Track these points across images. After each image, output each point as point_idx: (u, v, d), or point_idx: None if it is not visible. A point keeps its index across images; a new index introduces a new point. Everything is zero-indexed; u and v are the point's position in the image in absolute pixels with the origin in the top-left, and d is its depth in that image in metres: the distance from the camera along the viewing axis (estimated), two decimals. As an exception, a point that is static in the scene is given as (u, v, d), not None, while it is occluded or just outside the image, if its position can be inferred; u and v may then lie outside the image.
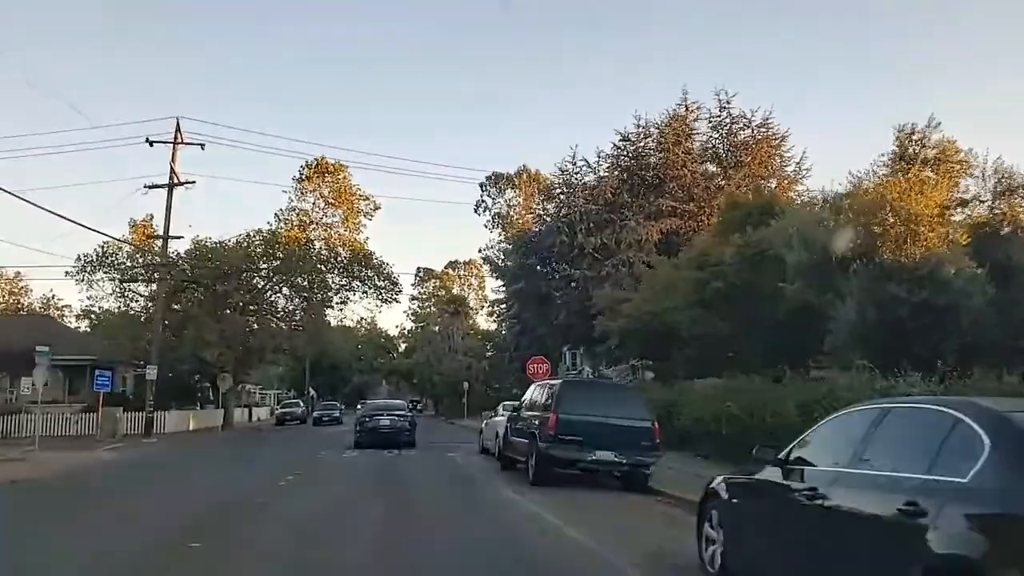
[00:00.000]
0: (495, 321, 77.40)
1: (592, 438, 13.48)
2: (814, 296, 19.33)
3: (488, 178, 74.61)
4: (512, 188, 73.86)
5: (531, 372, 27.57)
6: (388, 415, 26.33)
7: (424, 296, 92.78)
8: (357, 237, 46.37)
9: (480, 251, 67.75)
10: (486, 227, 71.08)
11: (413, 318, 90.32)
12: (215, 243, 41.59)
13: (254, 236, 43.10)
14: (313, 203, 46.27)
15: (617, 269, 36.08)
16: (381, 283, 47.31)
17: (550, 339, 46.47)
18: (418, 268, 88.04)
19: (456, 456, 22.60)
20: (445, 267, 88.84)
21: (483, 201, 75.21)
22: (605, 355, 34.77)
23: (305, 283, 46.29)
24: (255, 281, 44.36)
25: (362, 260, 46.35)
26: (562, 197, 37.87)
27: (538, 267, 40.14)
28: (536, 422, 14.53)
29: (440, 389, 67.43)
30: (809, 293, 19.25)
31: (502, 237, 71.19)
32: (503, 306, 51.39)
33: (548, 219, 39.14)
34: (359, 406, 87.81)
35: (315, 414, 51.35)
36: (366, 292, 47.78)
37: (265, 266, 42.47)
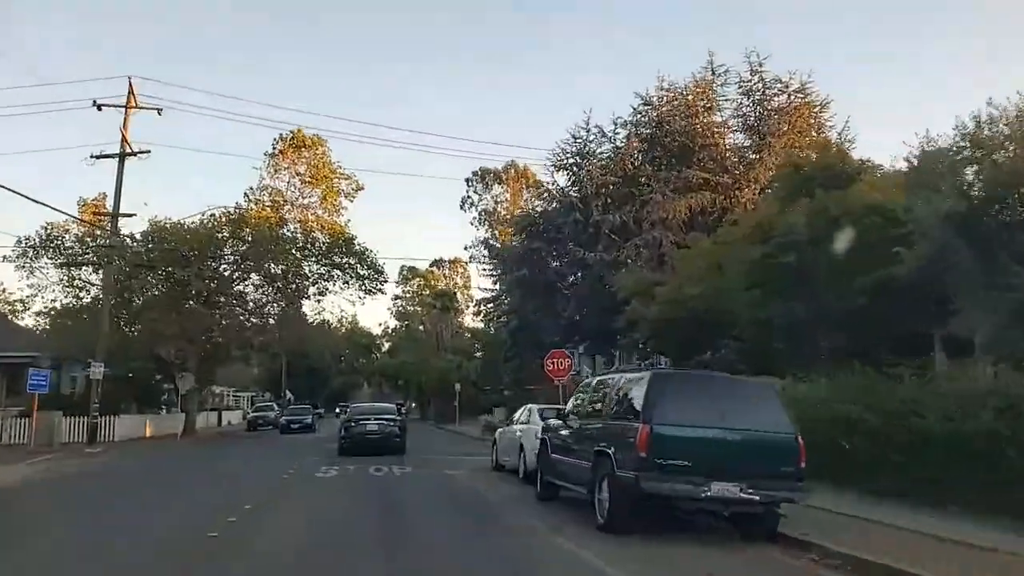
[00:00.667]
0: (483, 320, 72.81)
1: (706, 462, 8.60)
2: (940, 264, 14.57)
3: (474, 173, 71.18)
4: (499, 184, 71.23)
5: (551, 370, 22.62)
6: (376, 419, 24.20)
7: (408, 295, 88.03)
8: (337, 220, 41.17)
9: (466, 248, 65.32)
10: (472, 225, 68.31)
11: (397, 316, 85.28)
12: (174, 224, 36.35)
13: (220, 217, 37.89)
14: (288, 181, 41.08)
15: (638, 252, 31.25)
16: (364, 272, 42.23)
17: (551, 335, 41.62)
18: (402, 267, 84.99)
19: (461, 475, 17.60)
20: (430, 266, 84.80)
21: (468, 198, 71.30)
22: (628, 350, 29.91)
23: (279, 271, 41.10)
24: (221, 268, 39.11)
25: (343, 246, 41.21)
26: (574, 169, 32.87)
27: (543, 252, 35.22)
28: (607, 436, 9.67)
29: (428, 391, 62.38)
30: (938, 259, 14.46)
31: (489, 234, 67.50)
32: (501, 298, 46.27)
33: (557, 195, 34.07)
34: (338, 410, 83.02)
35: (283, 419, 44.09)
36: (347, 282, 42.67)
37: (230, 250, 37.24)
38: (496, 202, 71.92)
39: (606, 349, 41.24)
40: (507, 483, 15.87)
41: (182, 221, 36.70)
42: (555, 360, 22.60)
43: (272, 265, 38.21)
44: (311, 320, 43.10)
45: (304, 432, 40.23)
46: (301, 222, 40.88)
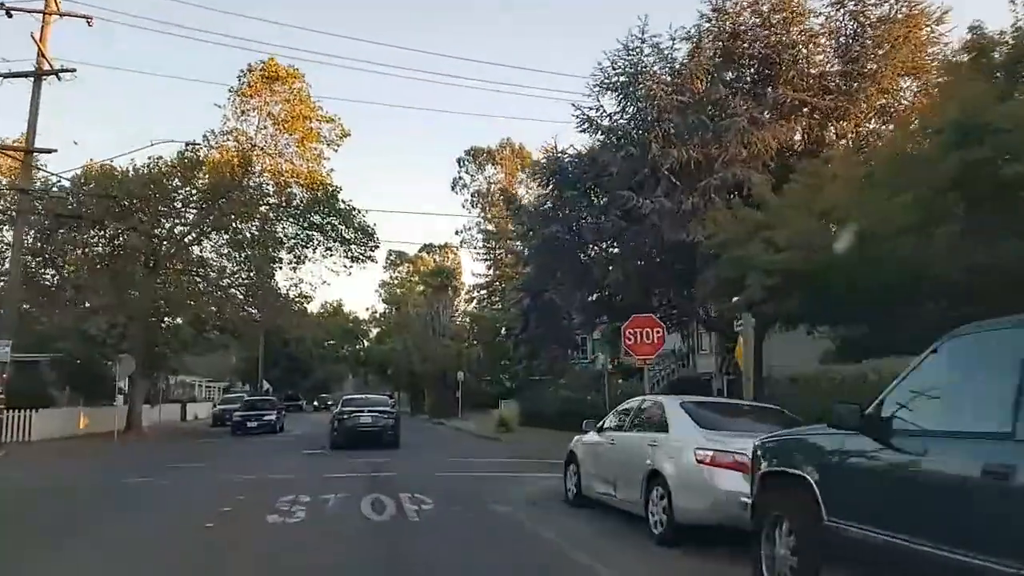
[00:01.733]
0: (477, 308, 65.83)
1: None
2: None
3: (467, 152, 67.02)
4: (493, 164, 67.68)
5: (632, 345, 15.29)
6: (370, 411, 23.25)
7: (396, 281, 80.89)
8: (317, 169, 33.58)
9: (457, 233, 62.99)
10: (464, 207, 66.10)
11: (386, 300, 77.87)
12: (105, 167, 28.68)
13: (170, 161, 30.20)
14: (258, 124, 33.48)
15: (708, 198, 23.88)
16: (350, 235, 34.73)
17: (580, 313, 34.28)
18: (390, 251, 78.80)
19: (521, 518, 10.09)
20: (420, 251, 78.27)
21: (460, 178, 67.18)
22: (714, 324, 22.63)
23: (249, 233, 33.53)
24: (175, 229, 31.53)
25: (324, 201, 33.69)
26: (628, 89, 25.21)
27: (580, 203, 27.78)
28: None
29: (422, 381, 54.91)
30: None
31: (481, 217, 65.58)
32: (519, 266, 38.80)
33: (602, 125, 26.36)
34: (317, 403, 75.29)
35: (235, 416, 32.23)
36: (329, 248, 35.15)
37: (184, 201, 29.59)
38: (490, 183, 67.73)
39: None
40: (622, 539, 8.46)
41: (110, 162, 28.95)
42: (638, 330, 15.20)
43: (237, 223, 30.57)
44: (284, 294, 35.44)
45: (266, 433, 30.02)
46: (272, 172, 33.24)
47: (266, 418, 30.96)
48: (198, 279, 31.77)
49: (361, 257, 35.01)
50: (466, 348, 49.81)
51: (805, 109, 23.64)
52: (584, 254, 30.00)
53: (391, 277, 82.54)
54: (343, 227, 34.48)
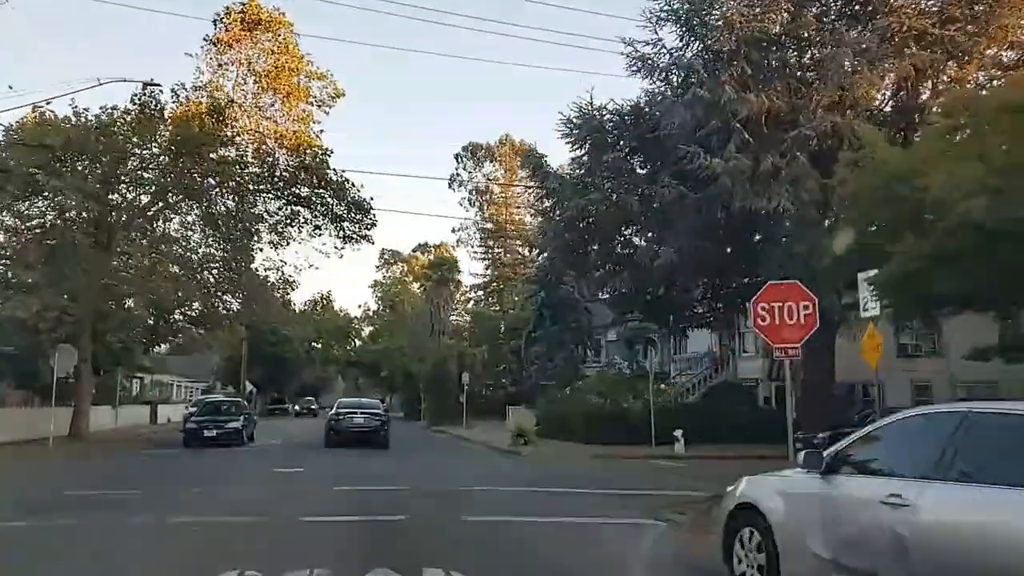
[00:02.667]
0: (473, 311, 61.68)
1: None
2: None
3: (465, 148, 64.69)
4: (491, 161, 65.28)
5: (771, 328, 10.23)
6: (362, 413, 24.44)
7: (389, 281, 76.25)
8: (305, 130, 28.39)
9: (454, 231, 61.37)
10: (461, 205, 63.68)
11: (380, 295, 72.92)
12: (40, 114, 23.46)
13: (128, 107, 24.94)
14: (236, 77, 28.39)
15: (792, 157, 19.03)
16: (342, 210, 29.57)
17: (609, 306, 29.29)
18: (383, 250, 76.27)
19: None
20: (413, 250, 75.41)
21: (458, 175, 63.84)
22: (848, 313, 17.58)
23: (224, 207, 28.35)
24: (132, 197, 26.32)
25: (312, 169, 28.53)
26: (691, 22, 20.10)
27: (618, 170, 22.88)
28: None
29: (420, 384, 49.67)
30: None
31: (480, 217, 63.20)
32: (536, 254, 33.96)
33: (661, 62, 21.14)
34: (299, 408, 69.09)
35: (189, 422, 25.40)
36: (319, 227, 29.99)
37: (139, 152, 24.40)
38: (488, 180, 65.35)
39: (676, 324, 29.08)
40: None
41: (47, 105, 23.67)
42: (777, 305, 10.16)
43: (208, 190, 25.34)
44: (264, 277, 30.20)
45: (229, 444, 23.44)
46: (252, 133, 27.99)
47: (228, 427, 24.38)
48: (160, 256, 26.35)
49: (355, 236, 29.86)
50: (471, 348, 44.53)
51: (916, 47, 18.61)
52: (620, 233, 25.03)
53: (384, 277, 78.27)
54: (334, 201, 29.35)
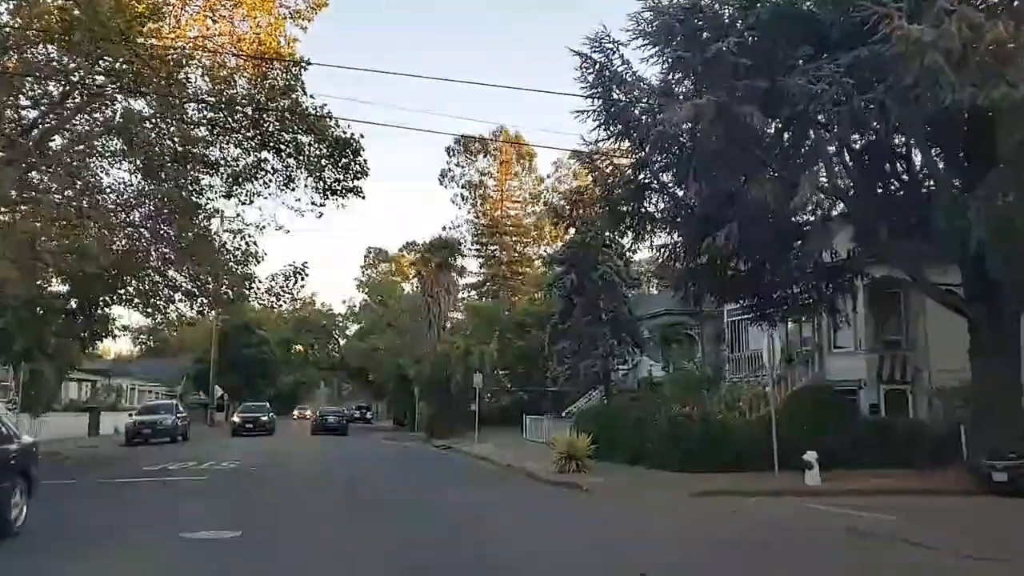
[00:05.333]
0: (464, 309, 55.95)
1: None
2: None
3: (456, 141, 60.50)
4: (485, 154, 62.24)
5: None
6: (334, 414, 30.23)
7: (379, 277, 69.82)
8: (272, 36, 20.85)
9: (444, 229, 58.66)
10: (453, 202, 61.46)
11: (368, 290, 66.19)
12: None
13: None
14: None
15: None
16: (323, 150, 21.94)
17: (678, 286, 21.77)
18: (368, 248, 72.62)
19: None
20: (401, 249, 69.81)
21: (450, 170, 61.09)
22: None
23: (159, 146, 20.65)
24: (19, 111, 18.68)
25: (281, 91, 20.93)
26: None
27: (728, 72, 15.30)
28: None
29: (416, 389, 42.14)
30: None
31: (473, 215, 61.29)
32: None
33: None
34: (237, 417, 57.03)
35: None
36: (291, 179, 22.44)
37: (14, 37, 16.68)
38: (482, 174, 62.57)
39: (766, 309, 21.28)
40: None
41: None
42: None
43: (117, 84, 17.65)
44: (221, 242, 22.69)
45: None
46: (203, 43, 20.38)
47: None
48: (59, 197, 18.44)
49: (340, 189, 22.28)
50: (475, 345, 37.04)
51: None
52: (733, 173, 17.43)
53: (369, 278, 72.10)
54: (310, 141, 21.76)
